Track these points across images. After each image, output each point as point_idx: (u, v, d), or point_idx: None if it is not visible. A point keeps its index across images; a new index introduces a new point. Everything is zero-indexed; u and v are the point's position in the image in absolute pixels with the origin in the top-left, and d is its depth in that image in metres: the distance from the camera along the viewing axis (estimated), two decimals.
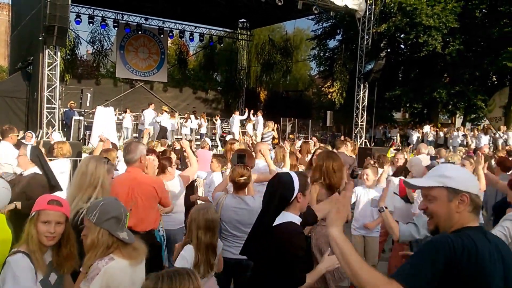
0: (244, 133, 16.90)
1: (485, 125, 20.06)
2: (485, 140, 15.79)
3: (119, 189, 3.52)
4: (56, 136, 10.40)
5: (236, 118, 17.45)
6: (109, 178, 3.06)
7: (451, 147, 15.43)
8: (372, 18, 16.83)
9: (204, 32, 24.95)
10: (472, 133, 16.96)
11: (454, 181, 1.72)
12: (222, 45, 25.91)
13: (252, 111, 17.84)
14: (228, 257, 3.44)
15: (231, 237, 3.59)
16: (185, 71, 26.81)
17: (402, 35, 18.45)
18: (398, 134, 20.43)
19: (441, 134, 17.27)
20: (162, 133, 15.54)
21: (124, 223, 2.29)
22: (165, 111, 16.71)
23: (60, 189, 4.22)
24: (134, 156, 3.62)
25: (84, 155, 10.09)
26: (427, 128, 18.35)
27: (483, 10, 17.66)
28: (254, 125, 17.60)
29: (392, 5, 16.51)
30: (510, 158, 8.87)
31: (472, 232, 1.64)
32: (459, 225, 1.70)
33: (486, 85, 20.10)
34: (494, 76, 20.18)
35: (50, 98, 12.76)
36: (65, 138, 11.92)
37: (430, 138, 17.56)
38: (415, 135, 18.57)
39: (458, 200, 1.70)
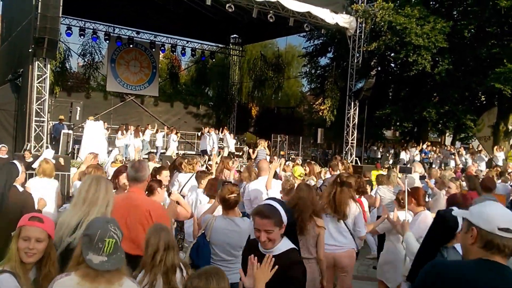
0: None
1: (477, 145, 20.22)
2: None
3: (116, 209, 3.36)
4: (48, 153, 9.81)
5: (213, 136, 17.57)
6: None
7: (436, 167, 15.43)
8: (363, 36, 16.98)
9: (196, 47, 25.02)
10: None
11: None
12: (214, 60, 25.97)
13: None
14: None
15: (220, 261, 3.44)
16: (176, 85, 26.77)
17: (392, 54, 18.63)
18: (391, 153, 20.52)
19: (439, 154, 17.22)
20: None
21: (99, 246, 2.01)
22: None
23: None
24: (144, 175, 3.50)
25: (73, 170, 9.86)
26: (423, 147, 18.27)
27: (472, 31, 17.89)
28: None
29: (382, 24, 16.67)
30: (501, 178, 8.94)
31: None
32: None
33: (475, 105, 20.32)
34: (482, 96, 20.43)
35: (39, 111, 12.52)
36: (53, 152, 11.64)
37: (418, 158, 17.54)
38: (404, 154, 18.62)
39: None
